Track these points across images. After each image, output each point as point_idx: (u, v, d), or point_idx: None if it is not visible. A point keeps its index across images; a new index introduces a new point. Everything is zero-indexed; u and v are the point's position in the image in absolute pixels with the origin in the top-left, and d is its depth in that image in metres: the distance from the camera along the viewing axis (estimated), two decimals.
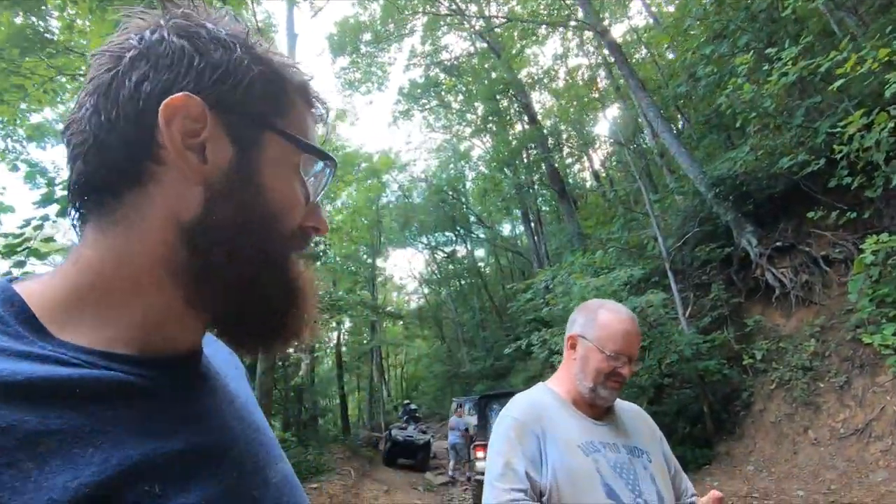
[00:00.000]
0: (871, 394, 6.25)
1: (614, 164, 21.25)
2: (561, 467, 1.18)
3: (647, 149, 15.43)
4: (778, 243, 8.70)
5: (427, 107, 24.18)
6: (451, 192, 27.49)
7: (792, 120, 7.11)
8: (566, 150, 23.26)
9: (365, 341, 23.07)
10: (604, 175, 24.66)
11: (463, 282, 31.56)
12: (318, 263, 14.54)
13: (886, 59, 4.70)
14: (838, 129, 5.74)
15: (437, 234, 30.10)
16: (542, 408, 1.30)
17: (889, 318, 5.77)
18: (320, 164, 0.51)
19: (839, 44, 5.58)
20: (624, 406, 1.44)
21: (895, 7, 7.06)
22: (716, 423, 8.06)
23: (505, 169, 20.04)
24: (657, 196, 11.94)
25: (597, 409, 1.34)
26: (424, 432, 13.51)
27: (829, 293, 7.84)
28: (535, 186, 21.31)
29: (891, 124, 5.08)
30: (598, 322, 1.33)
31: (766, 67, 6.68)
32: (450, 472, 10.79)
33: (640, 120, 14.65)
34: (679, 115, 13.57)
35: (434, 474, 11.16)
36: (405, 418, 14.68)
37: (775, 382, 7.64)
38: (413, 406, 16.39)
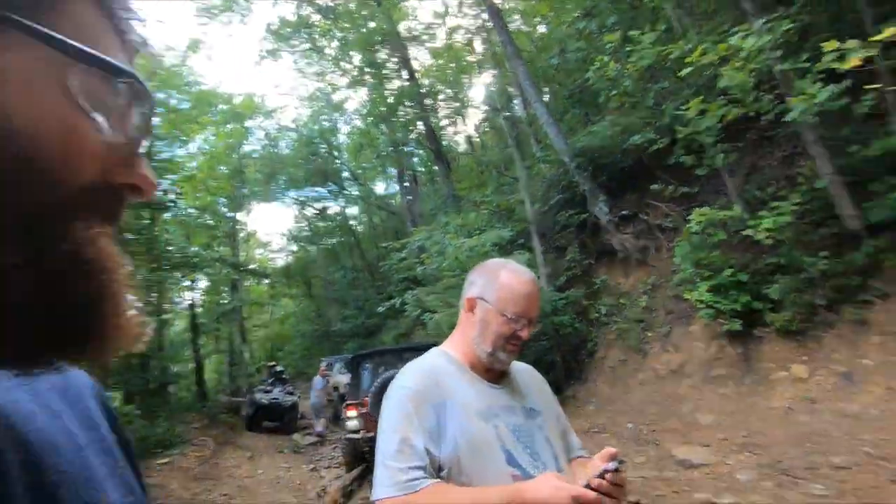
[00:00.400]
0: (685, 340, 7.51)
1: (487, 129, 21.96)
2: (461, 437, 1.12)
3: (519, 118, 16.15)
4: (624, 212, 9.86)
5: (298, 49, 22.21)
6: (323, 145, 26.07)
7: (644, 101, 7.92)
8: (442, 112, 23.38)
9: (224, 301, 21.35)
10: (476, 140, 25.39)
11: (334, 240, 30.65)
12: (167, 215, 12.85)
13: (724, 54, 5.41)
14: (680, 113, 6.51)
15: (307, 189, 28.55)
16: (439, 374, 1.23)
17: (703, 277, 6.90)
18: (122, 87, 0.33)
19: (679, 37, 6.29)
20: (517, 366, 1.43)
21: (720, 13, 8.15)
22: (566, 370, 9.05)
23: (382, 125, 19.49)
24: (526, 163, 12.64)
25: (494, 373, 1.30)
26: (291, 393, 13.10)
27: (660, 256, 9.14)
28: (411, 146, 21.16)
29: (720, 112, 5.89)
30: (499, 284, 1.27)
31: (627, 48, 7.28)
32: (317, 430, 10.66)
33: (511, 89, 15.21)
34: (546, 88, 14.36)
35: (302, 435, 10.94)
36: (270, 380, 14.07)
37: (615, 333, 8.78)
38: (279, 367, 15.77)
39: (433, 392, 1.18)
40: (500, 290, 1.27)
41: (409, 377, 1.23)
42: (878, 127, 5.95)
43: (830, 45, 4.31)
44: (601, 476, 1.00)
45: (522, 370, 1.43)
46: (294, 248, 34.14)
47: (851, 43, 4.28)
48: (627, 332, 8.48)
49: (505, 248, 9.50)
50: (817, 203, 6.48)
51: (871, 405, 5.05)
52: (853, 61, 4.32)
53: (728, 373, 6.56)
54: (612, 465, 1.01)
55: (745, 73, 5.37)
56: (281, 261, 35.70)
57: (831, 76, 5.18)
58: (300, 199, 29.12)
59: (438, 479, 1.08)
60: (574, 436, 1.41)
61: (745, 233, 6.35)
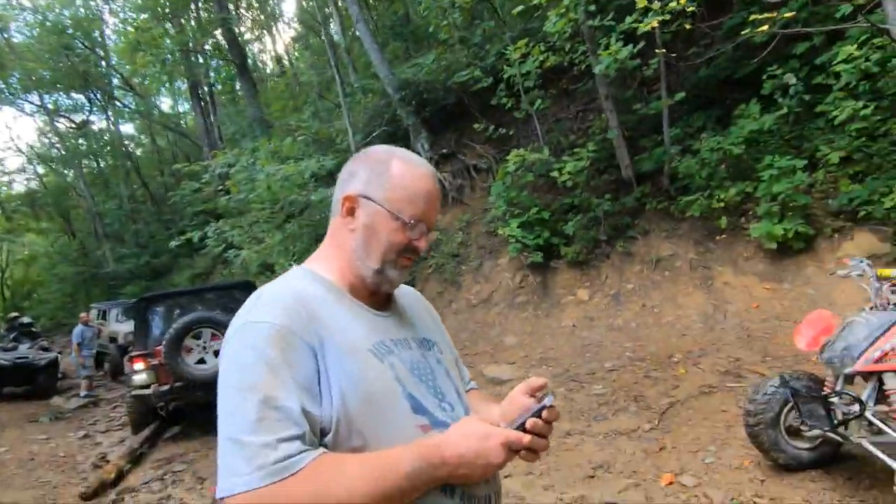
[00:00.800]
0: (494, 272, 8.20)
1: (302, 49, 19.88)
2: (351, 386, 0.82)
3: (337, 42, 14.92)
4: (443, 150, 10.07)
5: None
6: (81, 39, 20.33)
7: (471, 38, 7.94)
8: (248, 23, 20.26)
9: None
10: (287, 61, 22.92)
11: (103, 162, 24.98)
12: None
13: None
14: (506, 53, 6.69)
15: (59, 95, 22.27)
16: (309, 303, 0.88)
17: (514, 215, 7.51)
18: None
19: None
20: (400, 289, 1.15)
21: None
22: None
23: (168, 23, 15.91)
24: (347, 90, 11.84)
25: (379, 297, 1.00)
26: (46, 349, 10.56)
27: (475, 196, 9.68)
28: (208, 55, 17.92)
29: (541, 57, 6.21)
30: (391, 176, 0.94)
31: None
32: (82, 394, 8.84)
33: (328, 10, 13.87)
34: (370, 17, 13.48)
35: (66, 398, 8.94)
36: (13, 336, 11.08)
37: (432, 268, 9.12)
38: (25, 319, 12.54)
39: (305, 328, 0.83)
40: (393, 184, 0.94)
41: (266, 310, 0.85)
42: (653, 91, 7.07)
43: (641, 3, 4.77)
44: (537, 415, 0.82)
45: (407, 293, 1.14)
46: (42, 169, 26.89)
47: (655, 4, 4.82)
48: (443, 266, 8.88)
49: (325, 179, 8.86)
50: (604, 153, 7.52)
51: (631, 319, 6.26)
52: (651, 24, 4.88)
53: (529, 299, 7.41)
54: (549, 401, 0.83)
55: (566, 21, 5.70)
56: (20, 185, 27.87)
57: (629, 38, 5.87)
58: (48, 105, 22.62)
59: (323, 449, 0.77)
60: (463, 366, 1.21)
61: (551, 174, 7.02)
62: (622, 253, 6.98)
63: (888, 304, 2.39)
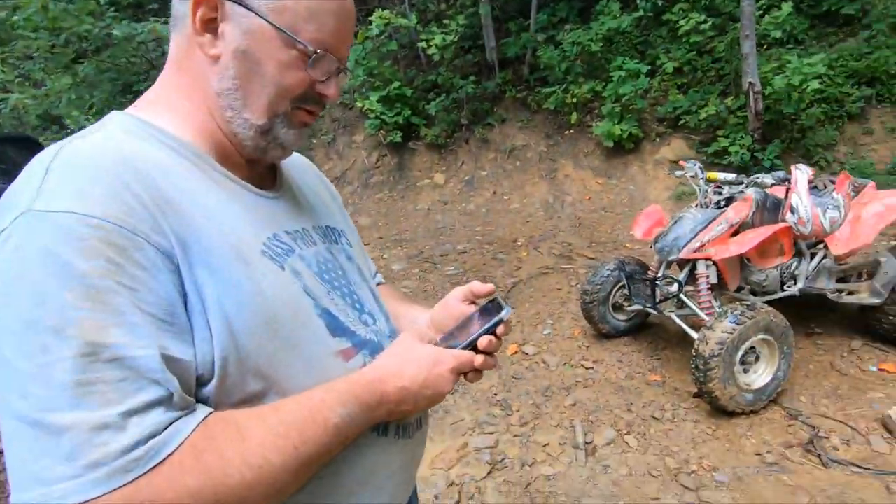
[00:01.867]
0: (349, 149, 7.69)
1: None
2: (242, 308, 0.54)
3: None
4: None
5: None
6: None
7: None
8: None
9: None
10: None
11: None
12: None
13: None
14: None
15: None
16: (157, 179, 0.54)
17: (374, 87, 6.92)
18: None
19: None
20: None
21: None
22: None
23: None
24: None
25: (260, 169, 0.70)
26: None
27: None
28: None
29: None
30: None
31: None
32: None
33: None
34: None
35: None
36: None
37: None
38: None
39: (152, 222, 0.51)
40: None
41: (72, 189, 0.49)
42: None
43: None
44: (491, 331, 0.68)
45: (292, 160, 0.82)
46: None
47: None
48: None
49: (132, 10, 6.91)
50: (472, 31, 7.15)
51: (482, 205, 6.55)
52: None
53: (385, 180, 7.20)
54: (506, 314, 0.69)
55: None
56: None
57: None
58: None
59: (206, 409, 0.51)
60: (369, 257, 0.95)
61: (419, 45, 6.48)
62: (480, 139, 7.05)
63: (711, 203, 2.79)
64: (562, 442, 2.44)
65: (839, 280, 2.91)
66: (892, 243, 3.31)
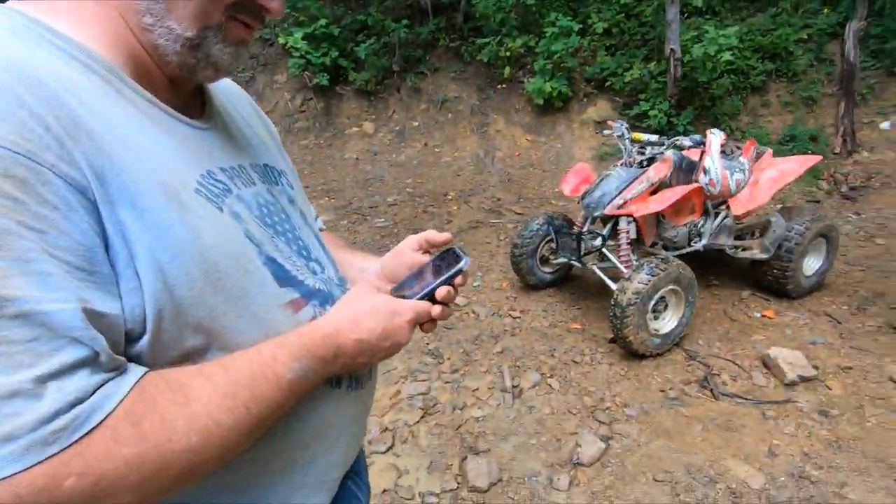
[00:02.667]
0: (270, 90, 7.14)
1: None
2: (176, 253, 0.47)
3: None
4: None
5: None
6: None
7: None
8: None
9: None
10: None
11: None
12: None
13: None
14: None
15: None
16: (62, 97, 0.44)
17: (299, 22, 6.40)
18: None
19: None
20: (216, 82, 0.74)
21: None
22: None
23: None
24: None
25: (185, 93, 0.61)
26: None
27: None
28: None
29: None
30: None
31: None
32: None
33: None
34: None
35: None
36: None
37: None
38: None
39: (59, 150, 0.42)
40: None
41: None
42: None
43: None
44: (448, 281, 0.66)
45: (221, 85, 0.72)
46: None
47: None
48: None
49: None
50: None
51: (413, 157, 6.44)
52: None
53: (310, 126, 6.81)
54: (465, 264, 0.67)
55: None
56: None
57: None
58: None
59: (140, 369, 0.45)
60: (308, 202, 0.87)
61: None
62: (411, 88, 6.84)
63: (635, 162, 2.95)
64: (490, 386, 2.57)
65: (736, 237, 3.24)
66: (780, 206, 3.72)
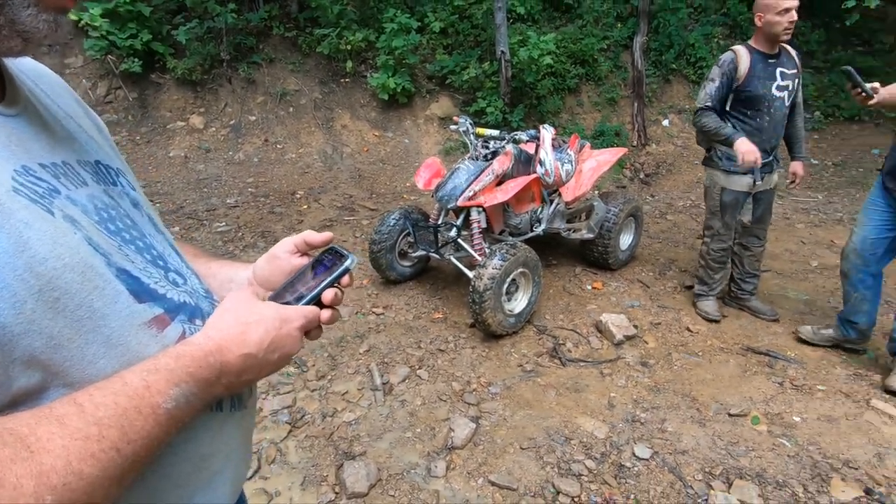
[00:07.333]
0: (64, 74, 5.93)
1: None
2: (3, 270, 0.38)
3: None
4: None
5: None
6: None
7: None
8: None
9: None
10: None
11: None
12: None
13: None
14: None
15: None
16: None
17: None
18: None
19: None
20: (21, 63, 0.59)
21: None
22: None
23: None
24: None
25: None
26: None
27: None
28: None
29: None
30: None
31: None
32: None
33: None
34: None
35: None
36: None
37: None
38: None
39: None
40: None
41: None
42: None
43: None
44: (335, 283, 0.63)
45: (28, 67, 0.60)
46: None
47: None
48: None
49: None
50: None
51: (252, 154, 5.95)
52: None
53: (122, 119, 5.84)
54: (352, 263, 0.64)
55: None
56: None
57: None
58: None
59: None
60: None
61: None
62: (245, 79, 6.30)
63: (480, 156, 3.13)
64: (360, 387, 2.52)
65: (568, 221, 3.66)
66: (598, 192, 4.30)
